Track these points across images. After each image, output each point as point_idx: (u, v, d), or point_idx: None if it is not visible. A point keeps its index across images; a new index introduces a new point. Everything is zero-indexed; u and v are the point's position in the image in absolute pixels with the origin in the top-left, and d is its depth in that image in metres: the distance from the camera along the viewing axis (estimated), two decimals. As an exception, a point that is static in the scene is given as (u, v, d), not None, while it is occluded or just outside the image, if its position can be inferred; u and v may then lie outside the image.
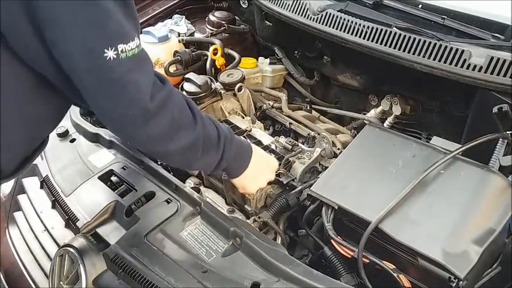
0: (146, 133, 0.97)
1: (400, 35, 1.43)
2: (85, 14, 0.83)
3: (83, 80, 0.89)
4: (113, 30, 0.86)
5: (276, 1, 1.77)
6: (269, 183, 1.34)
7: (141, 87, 0.91)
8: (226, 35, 2.05)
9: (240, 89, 1.74)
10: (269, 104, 1.77)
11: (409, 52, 1.41)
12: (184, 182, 1.32)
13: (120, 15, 0.87)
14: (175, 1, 2.16)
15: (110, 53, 0.85)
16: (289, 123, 1.69)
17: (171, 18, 2.09)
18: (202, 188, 1.48)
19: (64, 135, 1.59)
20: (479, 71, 1.30)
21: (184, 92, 1.67)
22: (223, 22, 2.07)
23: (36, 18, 0.83)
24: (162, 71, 1.81)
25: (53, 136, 1.52)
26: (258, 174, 1.28)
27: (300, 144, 1.55)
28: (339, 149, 1.49)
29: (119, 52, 0.86)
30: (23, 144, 1.05)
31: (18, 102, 0.96)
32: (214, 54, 1.87)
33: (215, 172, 1.21)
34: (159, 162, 1.44)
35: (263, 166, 1.30)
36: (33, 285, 1.42)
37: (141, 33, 1.90)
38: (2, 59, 0.89)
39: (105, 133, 1.53)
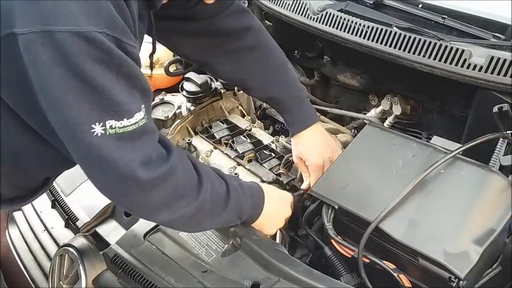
0: (142, 203, 0.92)
1: (400, 34, 1.43)
2: (73, 89, 0.78)
3: (73, 152, 0.87)
4: (103, 107, 0.80)
5: (276, 1, 1.77)
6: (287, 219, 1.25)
7: (133, 162, 0.85)
8: (227, 34, 2.05)
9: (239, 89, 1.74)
10: (269, 103, 1.76)
11: (409, 52, 1.41)
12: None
13: (118, 90, 0.81)
14: (176, 1, 2.16)
15: (98, 129, 0.80)
16: (289, 122, 1.68)
17: (171, 18, 2.09)
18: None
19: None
20: (480, 70, 1.30)
21: (184, 92, 1.67)
22: (224, 22, 2.06)
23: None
24: (162, 71, 1.81)
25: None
26: (275, 214, 1.19)
27: (300, 144, 1.55)
28: (339, 148, 1.49)
29: (107, 128, 0.81)
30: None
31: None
32: (214, 54, 1.86)
33: (235, 224, 1.14)
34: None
35: (278, 204, 1.21)
36: (33, 285, 1.42)
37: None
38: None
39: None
